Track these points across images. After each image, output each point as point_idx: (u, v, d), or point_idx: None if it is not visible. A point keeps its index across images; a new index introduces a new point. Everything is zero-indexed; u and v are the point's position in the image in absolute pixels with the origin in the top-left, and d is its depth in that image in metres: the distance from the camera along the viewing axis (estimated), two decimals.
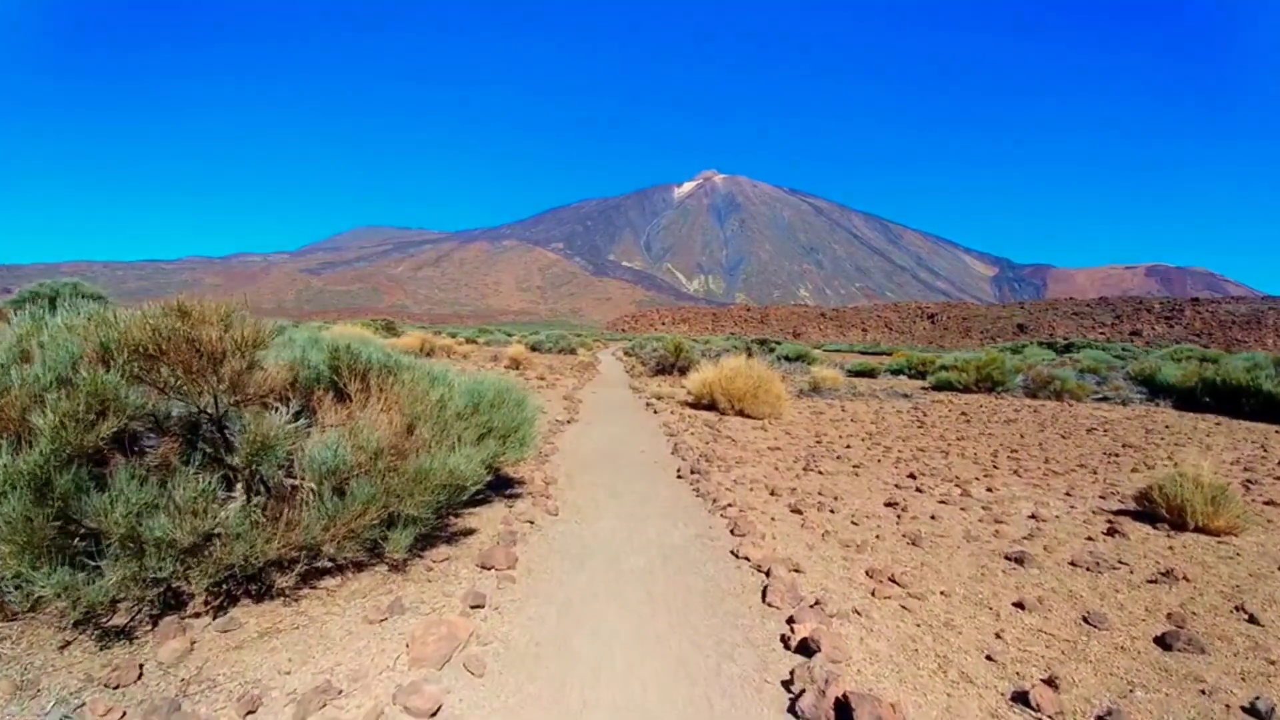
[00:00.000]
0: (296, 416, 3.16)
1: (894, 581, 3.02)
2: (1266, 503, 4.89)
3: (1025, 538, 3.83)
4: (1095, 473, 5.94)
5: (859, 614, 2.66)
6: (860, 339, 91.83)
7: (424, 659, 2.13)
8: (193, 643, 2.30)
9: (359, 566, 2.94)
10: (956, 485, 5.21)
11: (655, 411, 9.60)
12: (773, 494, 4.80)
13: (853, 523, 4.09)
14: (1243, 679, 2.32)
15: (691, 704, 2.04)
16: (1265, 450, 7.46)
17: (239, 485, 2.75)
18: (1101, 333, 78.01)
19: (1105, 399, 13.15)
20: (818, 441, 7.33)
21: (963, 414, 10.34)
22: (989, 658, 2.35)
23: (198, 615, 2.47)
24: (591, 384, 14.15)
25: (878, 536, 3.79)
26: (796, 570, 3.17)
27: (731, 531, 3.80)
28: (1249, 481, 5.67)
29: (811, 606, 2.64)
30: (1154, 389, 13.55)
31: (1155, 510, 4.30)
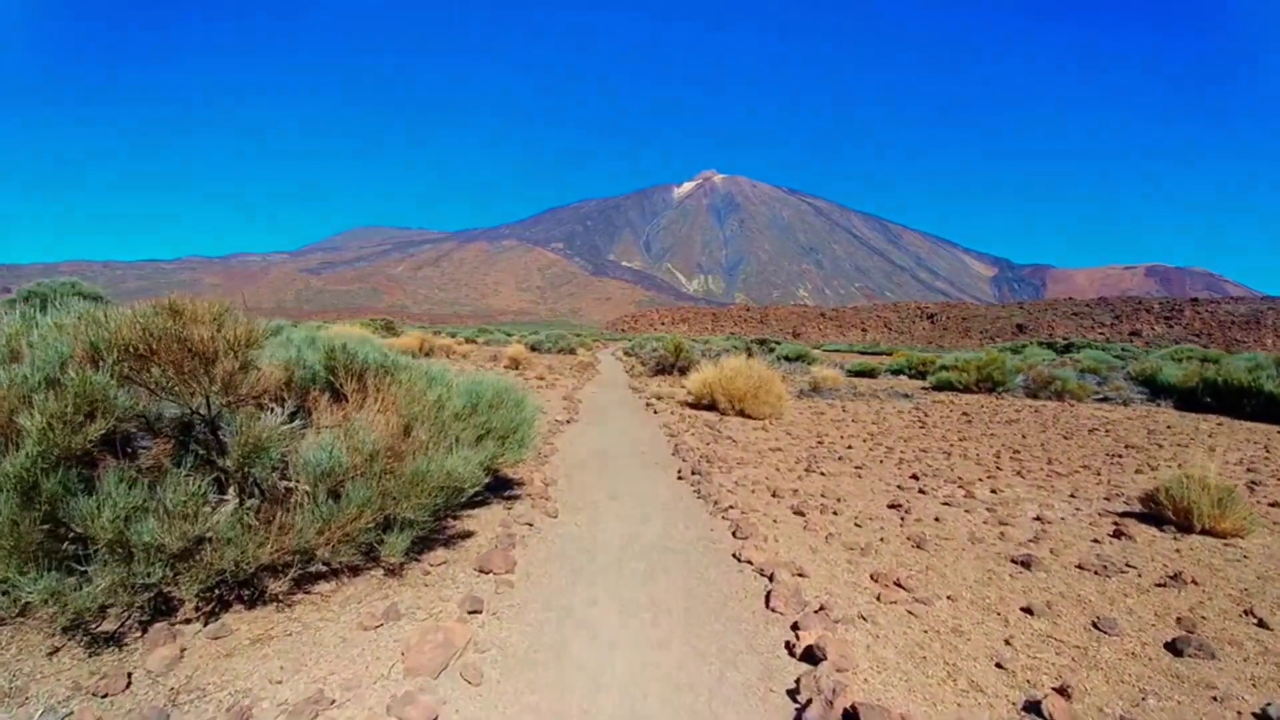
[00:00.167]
0: (292, 417, 3.11)
1: (899, 586, 2.97)
2: (1271, 504, 4.85)
3: (1031, 540, 3.78)
4: (1099, 474, 5.90)
5: (865, 619, 2.61)
6: (860, 339, 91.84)
7: (419, 667, 2.07)
8: (183, 650, 2.24)
9: (354, 571, 2.88)
10: (960, 486, 5.16)
11: (655, 412, 9.54)
12: (775, 496, 4.75)
13: (856, 525, 4.04)
14: (1253, 685, 2.28)
15: (694, 715, 1.99)
16: (1268, 451, 7.41)
17: (231, 488, 2.69)
18: (1101, 333, 78.05)
19: (1106, 399, 13.10)
20: (819, 442, 7.28)
21: (964, 414, 10.29)
22: (999, 665, 2.29)
23: (188, 621, 2.42)
24: (591, 384, 14.09)
25: (882, 539, 3.73)
26: (800, 574, 3.12)
27: (733, 534, 3.74)
28: (1253, 483, 5.63)
29: (816, 612, 2.58)
30: (1155, 389, 13.51)
31: (1161, 512, 4.25)
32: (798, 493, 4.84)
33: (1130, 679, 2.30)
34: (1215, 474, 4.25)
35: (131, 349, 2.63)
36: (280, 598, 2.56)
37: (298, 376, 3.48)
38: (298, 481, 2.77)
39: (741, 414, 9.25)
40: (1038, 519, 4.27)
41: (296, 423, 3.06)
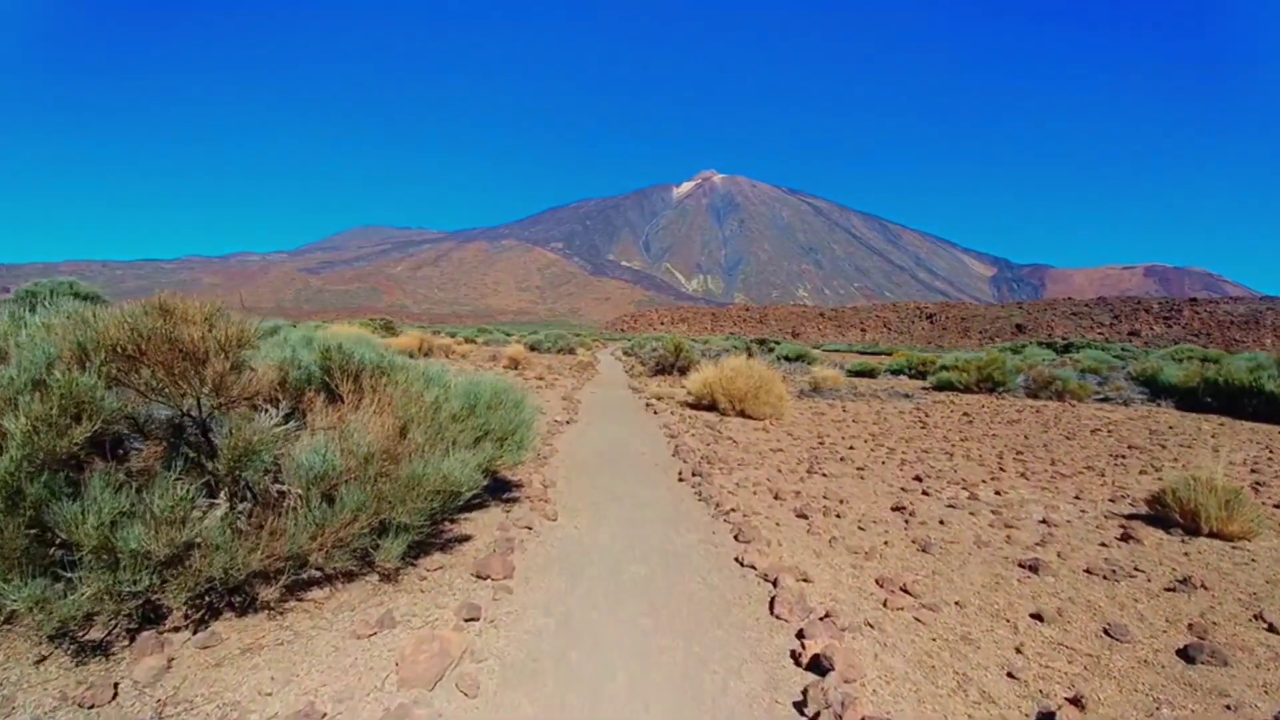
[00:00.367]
0: (287, 419, 3.04)
1: (906, 591, 2.91)
2: (1277, 505, 4.80)
3: (1038, 544, 3.72)
4: (1103, 475, 5.85)
5: (871, 627, 2.55)
6: (859, 339, 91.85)
7: (414, 678, 2.01)
8: (170, 660, 2.18)
9: (349, 576, 2.81)
10: (964, 488, 5.11)
11: (655, 412, 9.48)
12: (777, 498, 4.69)
13: (860, 528, 3.98)
14: (1265, 692, 2.25)
15: None
16: (1271, 452, 7.37)
17: (223, 492, 2.63)
18: (1100, 333, 78.11)
19: (1107, 399, 13.06)
20: (820, 443, 7.22)
21: (965, 414, 10.24)
22: (1010, 675, 2.23)
23: (177, 629, 2.35)
24: (591, 384, 14.02)
25: (886, 543, 3.67)
26: (804, 579, 3.06)
27: (735, 537, 3.68)
28: (1257, 484, 5.58)
29: (822, 619, 2.52)
30: (1155, 389, 13.47)
31: (1168, 514, 4.20)
32: (800, 495, 4.79)
33: (1143, 688, 2.25)
34: (1222, 475, 4.21)
35: (120, 349, 2.56)
36: (272, 605, 2.50)
37: (292, 377, 3.41)
38: (291, 485, 2.71)
39: (742, 414, 9.20)
40: (1043, 521, 4.22)
41: (291, 424, 3.00)
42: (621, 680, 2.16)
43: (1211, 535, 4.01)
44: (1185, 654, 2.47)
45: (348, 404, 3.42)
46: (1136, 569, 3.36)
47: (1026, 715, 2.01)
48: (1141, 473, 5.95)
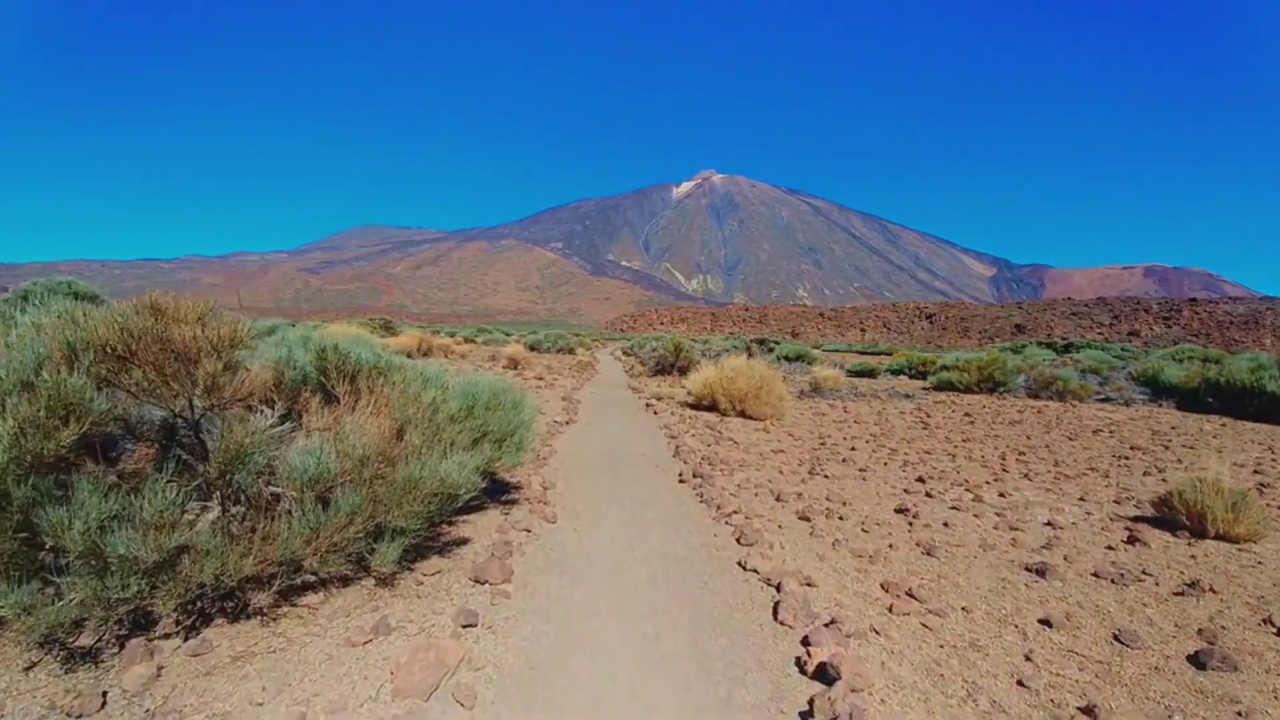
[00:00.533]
0: (282, 420, 2.99)
1: (912, 596, 2.86)
2: None
3: (1044, 546, 3.67)
4: (1107, 476, 5.80)
5: (878, 633, 2.50)
6: (859, 339, 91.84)
7: (409, 688, 1.95)
8: (160, 668, 2.12)
9: (344, 581, 2.76)
10: (967, 490, 5.06)
11: (655, 412, 9.43)
12: (779, 499, 4.63)
13: (863, 530, 3.93)
14: (1276, 697, 2.23)
15: None
16: (1273, 452, 7.33)
17: (215, 496, 2.57)
18: (1099, 333, 78.11)
19: (1108, 400, 13.02)
20: (822, 444, 7.17)
21: (966, 415, 10.19)
22: (1020, 683, 2.18)
23: (168, 636, 2.30)
24: (590, 384, 13.97)
25: (890, 546, 3.62)
26: (808, 584, 3.00)
27: (738, 540, 3.63)
28: (1261, 485, 5.54)
29: (827, 625, 2.47)
30: (1156, 390, 13.43)
31: (1174, 517, 4.16)
32: (802, 496, 4.73)
33: (1155, 695, 2.21)
34: (1229, 477, 4.17)
35: (109, 350, 2.51)
36: (265, 611, 2.44)
37: (288, 378, 3.36)
38: (285, 488, 2.65)
39: (742, 415, 9.14)
40: (1049, 524, 4.17)
41: (286, 426, 2.94)
42: (622, 689, 2.11)
43: (1218, 537, 3.97)
44: (1196, 660, 2.44)
45: (344, 405, 3.36)
46: (1144, 573, 3.31)
47: None
48: (1145, 474, 5.90)
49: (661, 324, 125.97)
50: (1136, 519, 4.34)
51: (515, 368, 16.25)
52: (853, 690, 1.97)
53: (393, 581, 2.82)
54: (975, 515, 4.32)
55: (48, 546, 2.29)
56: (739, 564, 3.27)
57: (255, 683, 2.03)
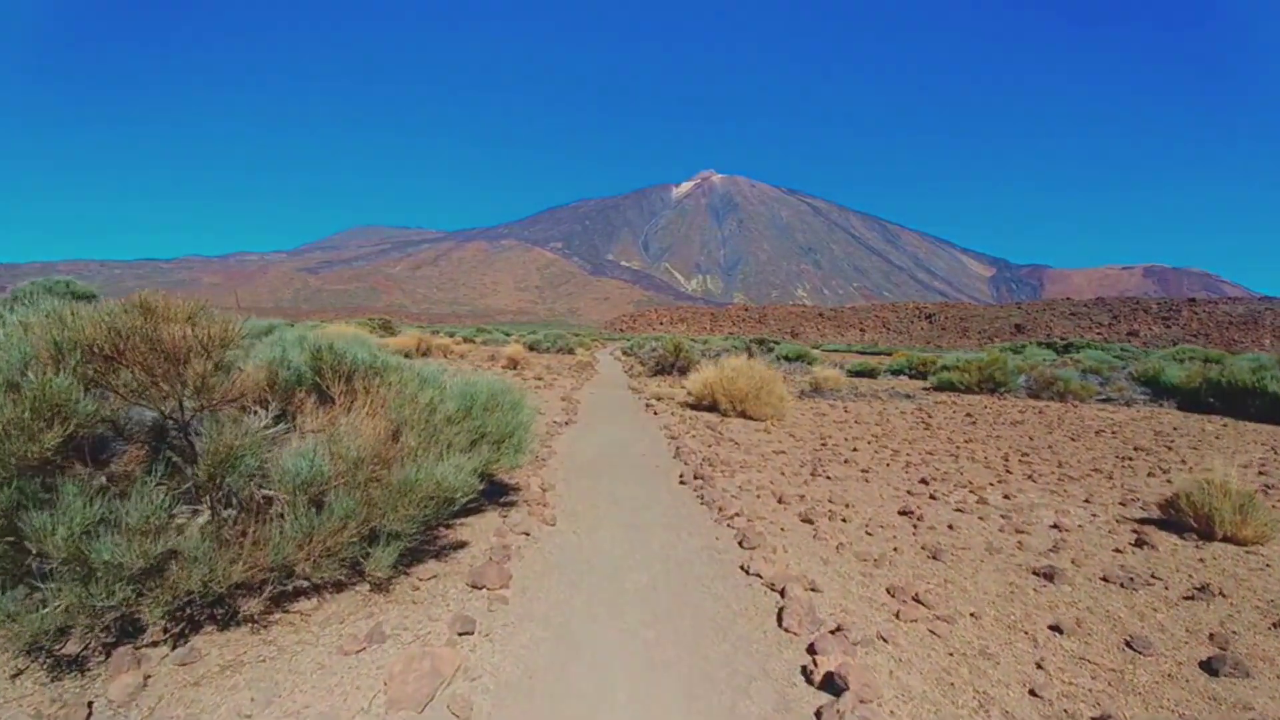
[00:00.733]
0: (276, 421, 2.93)
1: (918, 601, 2.80)
2: None
3: (1051, 550, 3.62)
4: (1111, 477, 5.75)
5: (885, 641, 2.43)
6: (858, 339, 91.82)
7: (403, 699, 1.89)
8: (147, 677, 2.06)
9: (338, 586, 2.69)
10: (971, 491, 5.00)
11: (655, 413, 9.37)
12: (781, 501, 4.57)
13: (867, 533, 3.87)
14: None
15: None
16: (1277, 453, 7.29)
17: (205, 499, 2.51)
18: (1099, 333, 78.13)
19: (1109, 400, 12.97)
20: (823, 444, 7.11)
21: (968, 415, 10.14)
22: (1033, 692, 2.12)
23: (155, 644, 2.23)
24: (590, 384, 13.90)
25: (895, 549, 3.56)
26: (812, 589, 2.94)
27: (740, 544, 3.57)
28: (1267, 486, 5.49)
29: (833, 633, 2.41)
30: (1157, 390, 13.39)
31: (1181, 519, 4.10)
32: (804, 498, 4.67)
33: (1169, 704, 2.16)
34: (1236, 479, 4.12)
35: (97, 350, 2.45)
36: (256, 618, 2.37)
37: (282, 378, 3.29)
38: (277, 491, 2.59)
39: (743, 415, 9.08)
40: (1054, 526, 4.11)
41: (279, 427, 2.88)
42: (623, 699, 2.05)
43: (1225, 540, 3.92)
44: (1208, 666, 2.39)
45: (339, 406, 3.30)
46: (1153, 576, 3.26)
47: None
48: (1150, 475, 5.85)
49: (661, 324, 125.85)
50: (1143, 521, 4.29)
51: (514, 368, 16.19)
52: (861, 701, 1.91)
53: (388, 587, 2.75)
54: (980, 518, 4.27)
55: (35, 552, 2.23)
56: (741, 568, 3.20)
57: (244, 693, 1.96)
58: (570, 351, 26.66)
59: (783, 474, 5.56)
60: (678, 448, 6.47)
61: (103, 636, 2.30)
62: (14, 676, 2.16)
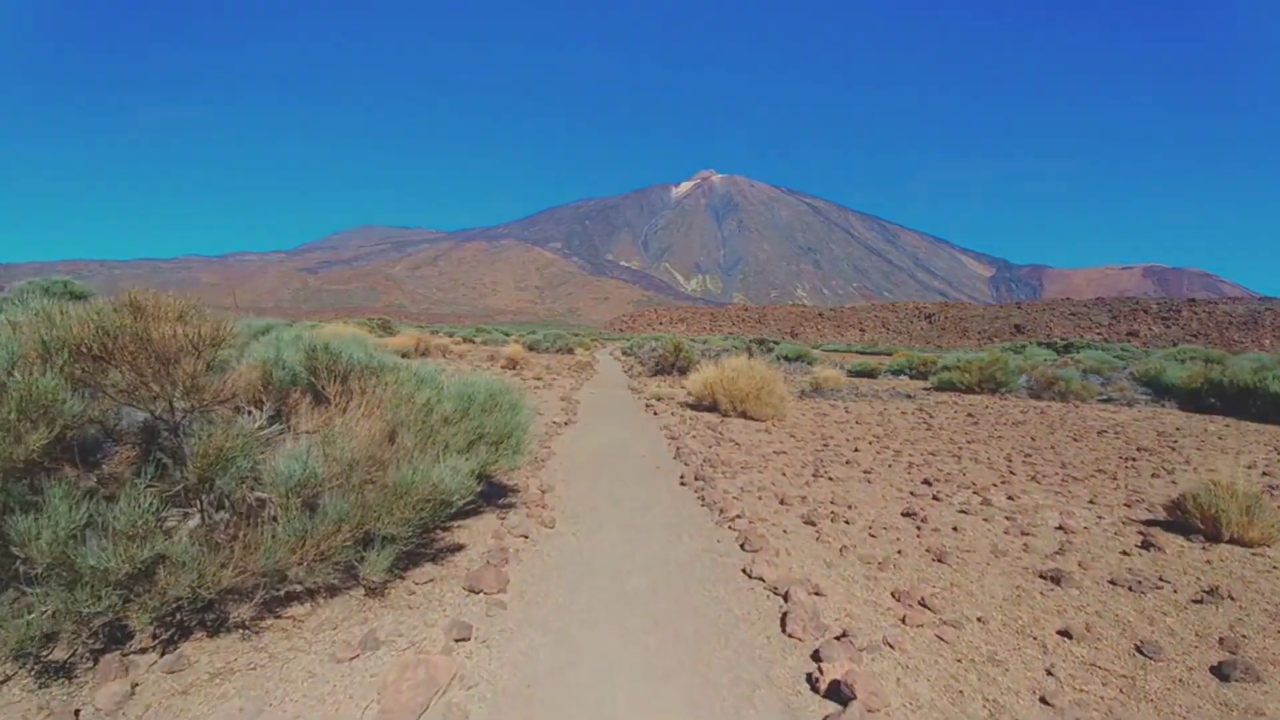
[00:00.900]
0: (271, 422, 2.87)
1: (924, 606, 2.75)
2: None
3: (1057, 552, 3.57)
4: (1115, 478, 5.70)
5: (891, 646, 2.38)
6: (858, 339, 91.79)
7: (397, 709, 1.84)
8: (134, 685, 2.01)
9: (332, 591, 2.64)
10: (975, 492, 4.95)
11: (655, 413, 9.31)
12: (782, 503, 4.52)
13: (870, 535, 3.82)
14: None
15: None
16: (1279, 453, 7.24)
17: (196, 502, 2.45)
18: (1098, 333, 78.12)
19: (1110, 400, 12.93)
20: (824, 445, 7.06)
21: (969, 415, 10.09)
22: (1044, 700, 2.07)
23: (144, 651, 2.18)
24: (589, 384, 13.85)
25: (899, 551, 3.51)
26: (816, 593, 2.89)
27: (742, 546, 3.52)
28: (1271, 487, 5.44)
29: (838, 638, 2.35)
30: (1158, 390, 13.35)
31: (1188, 520, 4.06)
32: (806, 500, 4.62)
33: (1181, 710, 2.11)
34: (1243, 480, 4.08)
35: (85, 349, 2.39)
36: (247, 624, 2.32)
37: (276, 378, 3.24)
38: (270, 494, 2.53)
39: (743, 415, 9.03)
40: (1060, 528, 4.06)
41: (273, 428, 2.83)
42: (623, 707, 2.00)
43: (1232, 541, 3.87)
44: (1219, 671, 2.35)
45: (335, 406, 3.25)
46: (1161, 579, 3.21)
47: None
48: (1154, 475, 5.80)
49: (661, 324, 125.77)
50: (1149, 522, 4.24)
51: (514, 368, 16.13)
52: (869, 710, 1.86)
53: (383, 591, 2.70)
54: (985, 519, 4.22)
55: (22, 556, 2.17)
56: (744, 571, 3.15)
57: (234, 702, 1.91)
58: (570, 351, 26.60)
59: (784, 475, 5.50)
60: (678, 448, 6.42)
61: (90, 643, 2.25)
62: (1, 683, 2.10)
